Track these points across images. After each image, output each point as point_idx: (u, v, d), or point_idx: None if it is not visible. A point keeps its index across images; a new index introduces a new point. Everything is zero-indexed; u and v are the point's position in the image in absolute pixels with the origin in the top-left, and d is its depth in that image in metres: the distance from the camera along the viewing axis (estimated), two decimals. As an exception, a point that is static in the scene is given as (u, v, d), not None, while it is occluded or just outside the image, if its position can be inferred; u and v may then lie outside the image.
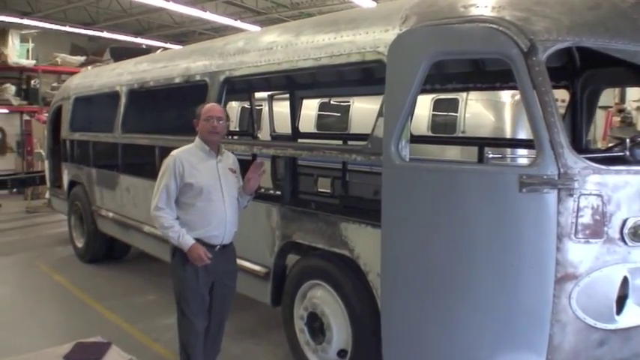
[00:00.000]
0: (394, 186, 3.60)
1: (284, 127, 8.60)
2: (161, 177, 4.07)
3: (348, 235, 4.11)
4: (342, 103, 10.76)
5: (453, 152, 8.19)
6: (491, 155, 3.70)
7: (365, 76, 6.33)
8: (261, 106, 11.19)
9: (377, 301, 3.89)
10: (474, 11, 3.44)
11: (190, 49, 6.53)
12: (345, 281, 4.19)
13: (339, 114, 10.95)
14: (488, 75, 5.66)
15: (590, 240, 3.12)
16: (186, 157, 4.06)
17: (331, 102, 11.01)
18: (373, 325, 3.93)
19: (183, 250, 3.99)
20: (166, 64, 6.58)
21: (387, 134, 3.60)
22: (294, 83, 7.61)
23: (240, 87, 8.37)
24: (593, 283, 3.16)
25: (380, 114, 3.75)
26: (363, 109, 9.90)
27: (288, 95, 8.31)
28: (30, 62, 16.97)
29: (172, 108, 8.19)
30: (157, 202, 4.01)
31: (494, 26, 3.29)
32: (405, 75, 3.52)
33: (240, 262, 5.09)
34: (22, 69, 17.32)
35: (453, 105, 8.61)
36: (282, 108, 9.07)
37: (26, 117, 17.74)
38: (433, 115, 8.84)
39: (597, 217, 3.11)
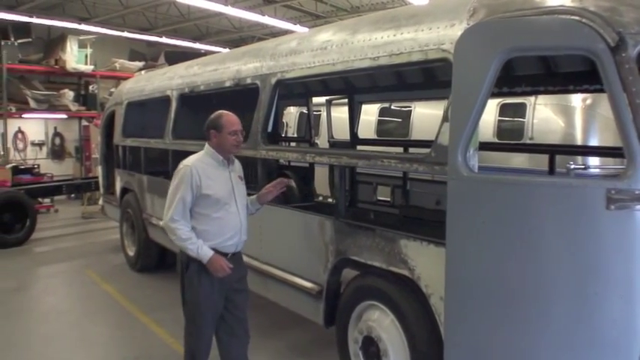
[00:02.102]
0: (461, 200, 3.19)
1: (343, 133, 8.24)
2: (176, 188, 4.01)
3: (408, 254, 3.70)
4: (403, 109, 10.38)
5: (519, 160, 7.72)
6: (573, 166, 3.25)
7: (427, 78, 5.92)
8: (320, 111, 10.89)
9: (440, 327, 3.49)
10: (553, 1, 3.03)
11: (241, 50, 6.25)
12: (404, 304, 3.81)
13: (399, 119, 10.57)
14: (561, 77, 5.18)
15: (689, 265, 2.68)
16: (202, 167, 4.03)
17: (392, 107, 10.65)
18: (435, 354, 3.57)
19: (202, 262, 3.96)
20: (217, 67, 6.32)
21: (454, 142, 3.19)
22: (352, 87, 7.26)
23: (296, 91, 8.13)
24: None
25: (445, 119, 3.35)
26: (425, 115, 9.50)
27: (346, 100, 7.95)
28: (88, 68, 17.08)
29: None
30: (173, 214, 3.97)
31: (577, 18, 2.86)
32: (475, 74, 3.10)
33: (290, 277, 4.91)
34: (80, 74, 17.46)
35: (521, 110, 8.11)
36: (341, 113, 8.72)
37: (84, 122, 17.96)
38: (499, 120, 8.35)
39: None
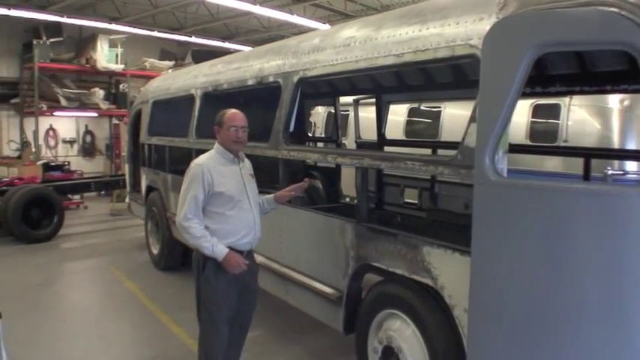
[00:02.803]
0: (487, 206, 2.98)
1: (372, 133, 8.05)
2: (188, 186, 4.01)
3: (432, 262, 3.50)
4: (432, 109, 10.16)
5: (553, 163, 7.44)
6: (610, 171, 3.00)
7: (457, 77, 5.69)
8: (348, 111, 10.73)
9: (463, 341, 3.28)
10: (590, -8, 2.78)
11: (265, 48, 6.10)
12: (426, 314, 3.61)
13: (429, 120, 10.34)
14: (597, 76, 4.92)
15: None
16: (213, 166, 4.04)
17: (421, 107, 10.43)
18: (458, 368, 3.35)
19: (217, 259, 3.94)
20: (240, 65, 6.18)
21: (481, 144, 2.98)
22: (380, 86, 7.05)
23: (323, 90, 7.97)
24: None
25: (472, 119, 3.14)
26: (456, 116, 9.26)
27: (374, 100, 7.76)
28: (118, 67, 17.21)
29: (248, 112, 7.81)
30: (186, 213, 3.96)
31: (616, 10, 2.61)
32: (504, 71, 2.87)
33: (310, 282, 4.78)
34: (110, 73, 17.60)
35: (555, 111, 7.83)
36: (370, 113, 8.54)
37: (115, 121, 18.10)
38: (532, 122, 8.08)
39: None
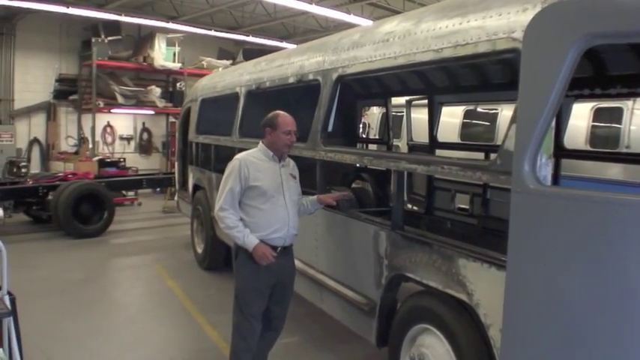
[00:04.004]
0: (526, 217, 2.67)
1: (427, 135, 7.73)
2: (226, 179, 4.16)
3: (467, 275, 3.21)
4: (488, 111, 9.74)
5: (614, 171, 6.98)
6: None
7: (512, 76, 5.34)
8: (403, 112, 10.43)
9: (498, 363, 2.98)
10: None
11: (307, 45, 5.90)
12: (459, 331, 3.32)
13: (485, 123, 9.94)
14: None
15: None
16: (251, 161, 4.18)
17: (477, 109, 10.03)
18: (492, 392, 3.05)
19: (248, 250, 4.07)
20: (282, 62, 6.00)
21: (520, 147, 2.68)
22: (433, 86, 6.73)
23: (375, 90, 7.72)
24: None
25: (514, 120, 2.84)
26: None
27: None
28: (176, 65, 17.37)
29: (291, 111, 7.64)
30: (222, 204, 4.13)
31: None
32: (547, 66, 2.56)
33: (343, 290, 4.58)
34: (168, 72, 17.76)
35: (617, 115, 7.36)
36: (424, 115, 8.23)
37: (171, 119, 18.22)
38: (592, 126, 7.62)
39: None
